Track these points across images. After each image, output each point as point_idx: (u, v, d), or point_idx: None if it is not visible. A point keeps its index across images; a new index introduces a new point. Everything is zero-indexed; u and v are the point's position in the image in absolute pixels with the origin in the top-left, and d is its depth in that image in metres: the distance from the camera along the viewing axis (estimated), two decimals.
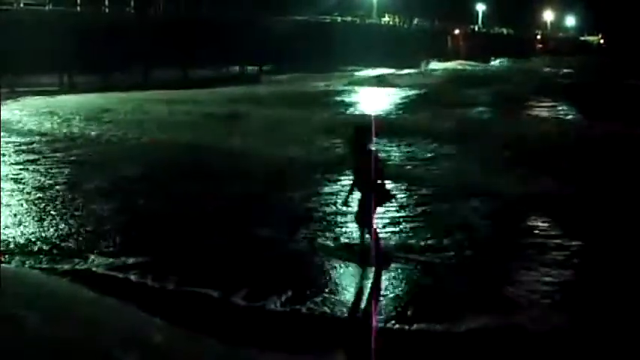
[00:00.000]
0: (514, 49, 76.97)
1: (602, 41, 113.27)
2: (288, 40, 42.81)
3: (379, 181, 7.87)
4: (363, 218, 7.97)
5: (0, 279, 5.69)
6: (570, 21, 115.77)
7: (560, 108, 27.23)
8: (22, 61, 27.91)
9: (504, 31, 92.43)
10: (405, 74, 45.54)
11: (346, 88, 34.67)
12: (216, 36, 39.01)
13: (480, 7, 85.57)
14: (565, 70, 55.84)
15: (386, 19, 66.42)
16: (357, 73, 44.72)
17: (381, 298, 6.96)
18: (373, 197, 7.86)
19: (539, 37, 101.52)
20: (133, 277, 7.44)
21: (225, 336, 5.86)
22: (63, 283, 6.91)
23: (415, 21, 71.47)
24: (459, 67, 58.28)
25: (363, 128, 8.03)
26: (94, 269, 7.68)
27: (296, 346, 5.93)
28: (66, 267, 7.71)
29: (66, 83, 31.86)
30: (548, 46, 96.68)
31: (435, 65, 55.98)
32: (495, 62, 68.09)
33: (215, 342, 5.63)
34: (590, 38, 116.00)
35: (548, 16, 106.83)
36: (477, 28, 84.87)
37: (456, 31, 75.37)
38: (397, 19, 68.20)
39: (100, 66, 33.57)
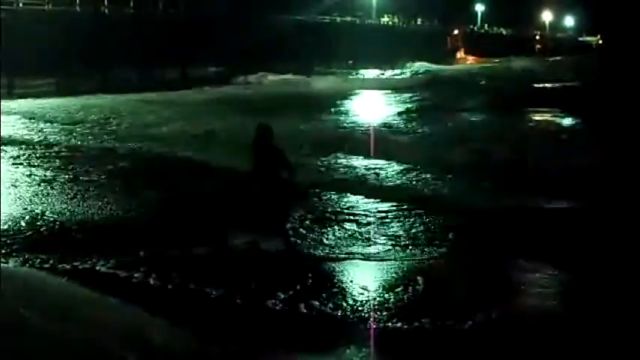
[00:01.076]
0: (512, 49, 76.89)
1: (600, 42, 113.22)
2: (284, 40, 42.69)
3: (289, 179, 7.99)
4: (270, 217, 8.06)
5: (0, 279, 5.70)
6: (569, 21, 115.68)
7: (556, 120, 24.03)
8: (20, 62, 27.89)
9: (503, 31, 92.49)
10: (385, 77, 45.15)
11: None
12: (215, 35, 39.01)
13: (479, 8, 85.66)
14: (565, 72, 54.20)
15: (385, 19, 66.47)
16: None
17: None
18: (284, 195, 7.97)
19: (537, 37, 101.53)
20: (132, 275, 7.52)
21: None
22: (63, 282, 6.92)
23: (419, 21, 71.60)
24: (449, 67, 57.59)
25: (267, 127, 8.09)
26: (97, 268, 7.75)
27: None
28: (66, 266, 7.76)
29: (63, 85, 31.77)
30: (546, 46, 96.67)
31: (422, 67, 55.05)
32: (495, 62, 67.45)
33: (212, 340, 5.67)
34: (589, 39, 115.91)
35: (546, 16, 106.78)
36: (475, 29, 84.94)
37: (455, 32, 75.48)
38: (396, 20, 68.26)
39: (99, 66, 33.59)
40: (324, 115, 23.42)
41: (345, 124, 21.57)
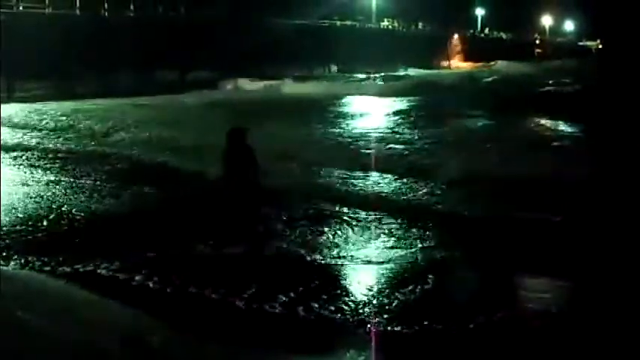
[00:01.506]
0: (512, 53, 76.76)
1: (600, 46, 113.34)
2: (281, 44, 42.60)
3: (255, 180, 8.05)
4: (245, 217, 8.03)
5: (0, 281, 5.71)
6: (569, 26, 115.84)
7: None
8: (20, 65, 27.86)
9: (503, 35, 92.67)
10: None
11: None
12: (214, 39, 39.04)
13: (479, 12, 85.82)
14: (560, 76, 52.35)
15: (385, 23, 66.57)
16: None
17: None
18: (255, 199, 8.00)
19: (537, 42, 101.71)
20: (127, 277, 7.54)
21: None
22: (62, 285, 6.92)
23: (420, 25, 71.74)
24: (443, 72, 56.53)
25: (240, 129, 8.13)
26: (98, 271, 7.77)
27: None
28: (66, 269, 7.77)
29: (61, 89, 31.66)
30: (546, 50, 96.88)
31: (417, 71, 53.92)
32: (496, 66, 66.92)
33: (214, 342, 5.66)
34: (589, 43, 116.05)
35: (546, 20, 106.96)
36: (475, 33, 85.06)
37: (455, 36, 75.66)
38: (396, 24, 68.35)
39: (98, 70, 33.59)
40: (306, 121, 22.37)
41: (330, 131, 20.75)
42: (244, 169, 8.00)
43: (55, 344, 4.70)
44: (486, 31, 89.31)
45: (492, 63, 68.75)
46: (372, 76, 48.11)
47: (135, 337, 5.27)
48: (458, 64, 71.41)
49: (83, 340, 4.85)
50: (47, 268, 7.81)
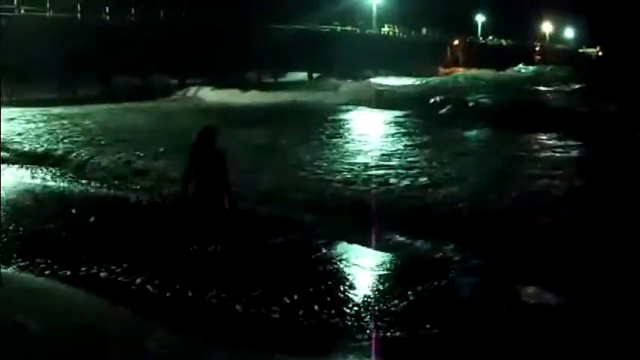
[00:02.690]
0: (511, 60, 76.64)
1: (600, 53, 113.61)
2: (272, 50, 42.68)
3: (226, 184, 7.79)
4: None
5: (1, 283, 5.70)
6: (569, 33, 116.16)
7: None
8: (21, 69, 27.81)
9: (503, 42, 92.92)
10: None
11: None
12: (215, 44, 39.17)
13: (480, 19, 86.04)
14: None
15: (385, 29, 66.74)
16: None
17: None
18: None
19: (537, 48, 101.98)
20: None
21: None
22: (63, 288, 6.92)
23: (424, 31, 71.95)
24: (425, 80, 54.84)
25: (210, 130, 7.94)
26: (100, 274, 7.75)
27: None
28: (67, 272, 7.76)
29: (62, 93, 31.60)
30: (546, 57, 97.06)
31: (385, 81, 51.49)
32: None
33: (213, 343, 5.65)
34: (589, 50, 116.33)
35: (547, 27, 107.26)
36: (476, 40, 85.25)
37: (455, 42, 75.85)
38: (397, 29, 68.53)
39: (99, 74, 33.65)
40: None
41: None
42: (211, 175, 7.68)
43: (54, 346, 4.70)
44: (490, 37, 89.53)
45: (462, 70, 68.41)
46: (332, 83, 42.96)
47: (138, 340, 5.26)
48: (446, 70, 71.11)
49: (82, 341, 4.84)
50: None
